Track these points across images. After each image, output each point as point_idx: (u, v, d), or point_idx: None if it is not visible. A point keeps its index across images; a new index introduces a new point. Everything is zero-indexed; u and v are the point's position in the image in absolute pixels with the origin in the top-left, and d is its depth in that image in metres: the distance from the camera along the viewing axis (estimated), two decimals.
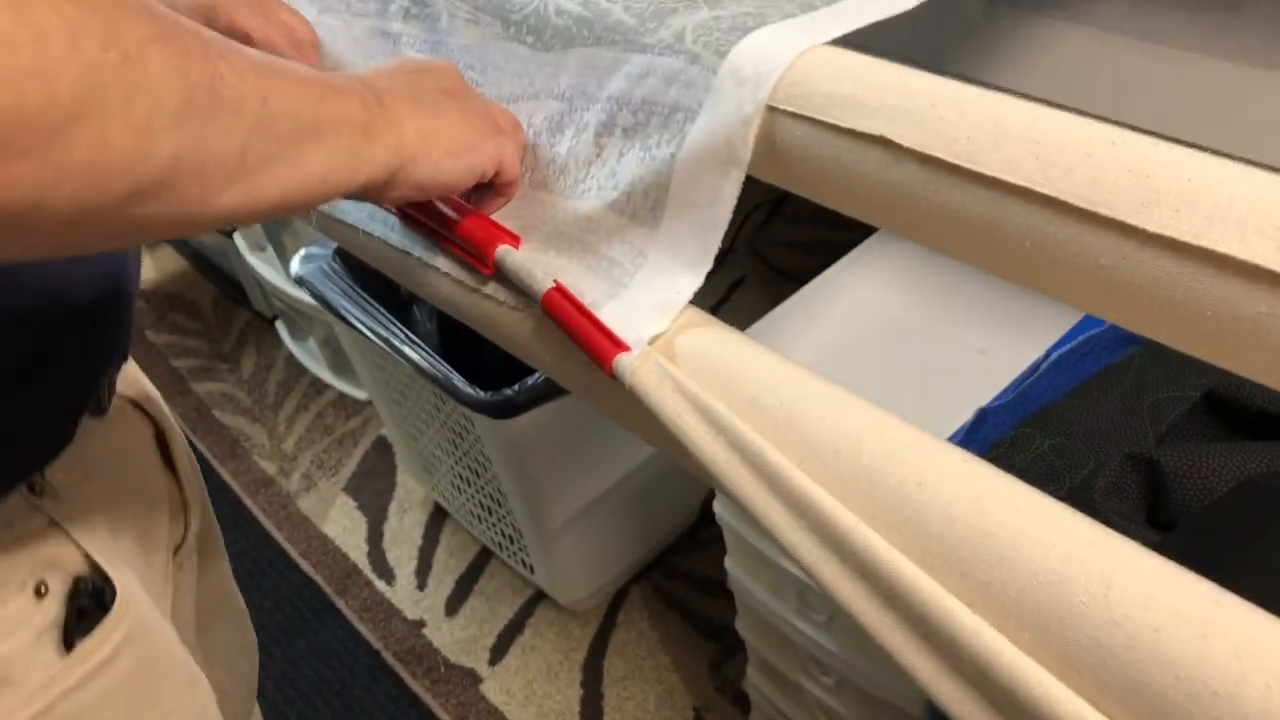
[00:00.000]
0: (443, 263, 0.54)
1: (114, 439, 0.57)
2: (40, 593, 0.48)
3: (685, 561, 1.53)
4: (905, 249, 1.11)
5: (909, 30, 0.91)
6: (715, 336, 0.46)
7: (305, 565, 1.63)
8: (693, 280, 0.47)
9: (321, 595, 1.58)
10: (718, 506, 1.11)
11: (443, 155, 0.48)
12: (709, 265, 0.47)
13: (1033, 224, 0.37)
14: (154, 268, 2.32)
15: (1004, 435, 0.72)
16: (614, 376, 0.46)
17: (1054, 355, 0.78)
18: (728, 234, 1.60)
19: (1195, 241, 0.33)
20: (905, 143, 0.40)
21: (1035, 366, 0.79)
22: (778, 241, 1.97)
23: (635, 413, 0.46)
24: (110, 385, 0.57)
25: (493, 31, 0.56)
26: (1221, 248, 0.33)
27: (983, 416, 0.74)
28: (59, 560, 0.49)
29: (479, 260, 0.53)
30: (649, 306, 0.47)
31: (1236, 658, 0.31)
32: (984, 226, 0.39)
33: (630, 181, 0.49)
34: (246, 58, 0.37)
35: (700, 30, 0.47)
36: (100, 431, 0.55)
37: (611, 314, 0.47)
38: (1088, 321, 0.82)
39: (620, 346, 0.46)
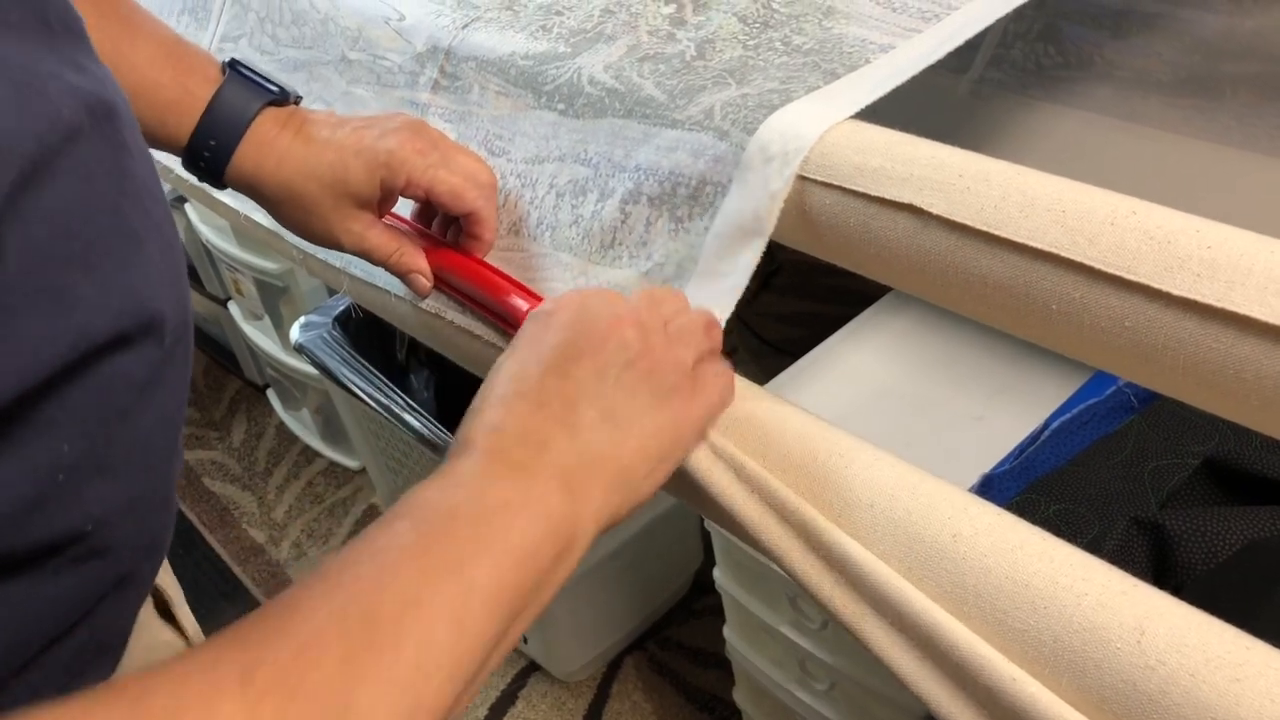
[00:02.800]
0: (475, 326, 0.56)
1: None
2: None
3: (679, 632, 1.53)
4: (901, 320, 1.14)
5: (894, 109, 0.94)
6: (746, 395, 0.48)
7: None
8: None
9: None
10: (718, 575, 1.11)
11: (638, 493, 0.43)
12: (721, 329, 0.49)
13: (1060, 288, 0.39)
14: None
15: (1010, 500, 0.74)
16: None
17: (1055, 424, 0.80)
18: None
19: (1218, 304, 0.35)
20: (935, 210, 0.42)
21: (1036, 435, 0.81)
22: (768, 314, 2.00)
23: (672, 479, 0.48)
24: None
25: (524, 102, 0.58)
26: (1244, 310, 0.35)
27: (988, 482, 0.76)
28: None
29: (509, 324, 0.54)
30: None
31: (1271, 701, 0.32)
32: (1012, 290, 0.41)
33: (665, 253, 0.51)
34: (483, 562, 0.36)
35: (728, 108, 0.50)
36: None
37: None
38: (1086, 391, 0.85)
39: None
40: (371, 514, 1.80)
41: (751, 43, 0.55)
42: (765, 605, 1.07)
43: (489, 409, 0.42)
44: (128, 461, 0.37)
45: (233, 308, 1.90)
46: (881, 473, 0.43)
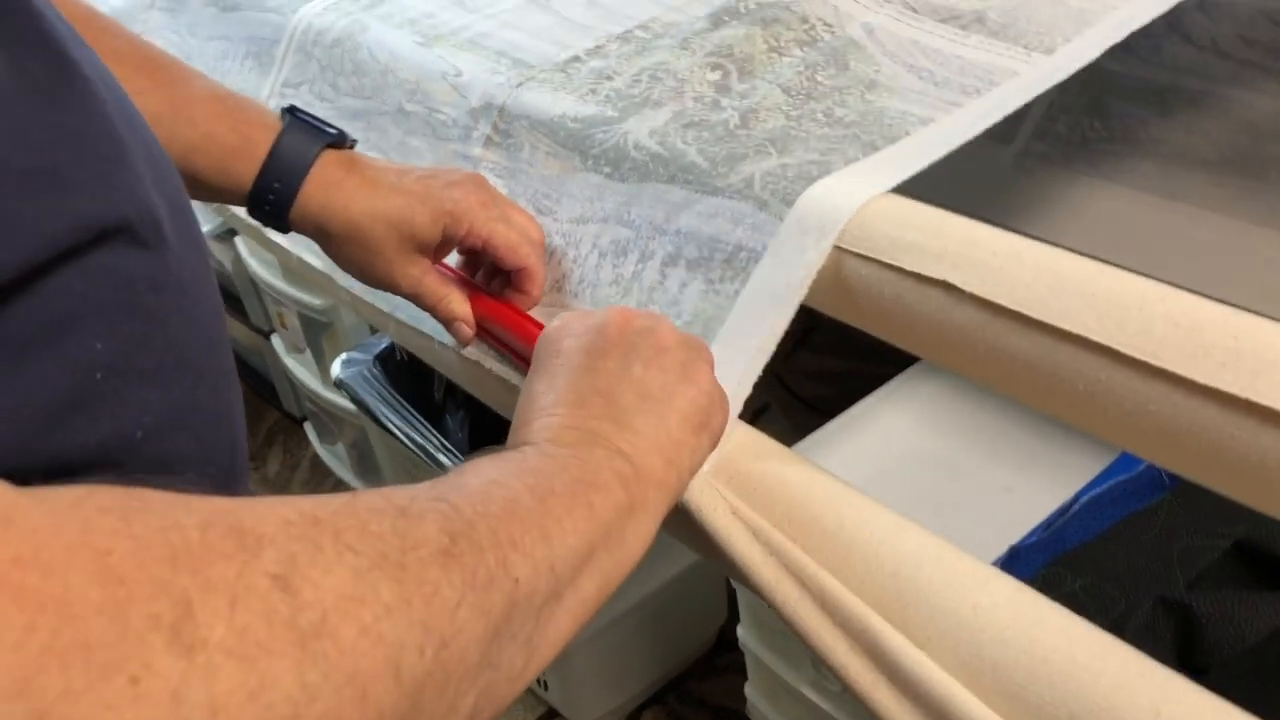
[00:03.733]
0: (513, 375, 0.57)
1: None
2: None
3: (700, 688, 1.52)
4: (935, 386, 1.14)
5: (938, 178, 0.95)
6: (772, 458, 0.49)
7: None
8: (735, 406, 0.50)
9: None
10: (741, 632, 1.11)
11: (690, 463, 0.45)
12: (747, 392, 0.50)
13: (1086, 369, 0.40)
14: None
15: (1036, 573, 0.74)
16: None
17: (1085, 498, 0.80)
18: None
19: (1241, 394, 0.36)
20: (968, 288, 0.43)
21: (1066, 508, 0.81)
22: (803, 371, 2.00)
23: (687, 530, 0.49)
24: None
25: (572, 164, 0.60)
26: (1266, 401, 0.36)
27: (1015, 554, 0.76)
28: None
29: None
30: None
31: None
32: (1040, 369, 0.42)
33: (694, 312, 0.52)
34: (532, 529, 0.36)
35: (768, 178, 0.51)
36: None
37: None
38: (1117, 466, 0.85)
39: None
40: None
41: (794, 113, 0.57)
42: (787, 665, 1.07)
43: (528, 424, 0.44)
44: (168, 368, 0.39)
45: (275, 340, 1.94)
46: (908, 542, 0.43)
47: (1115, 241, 0.96)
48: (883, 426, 1.13)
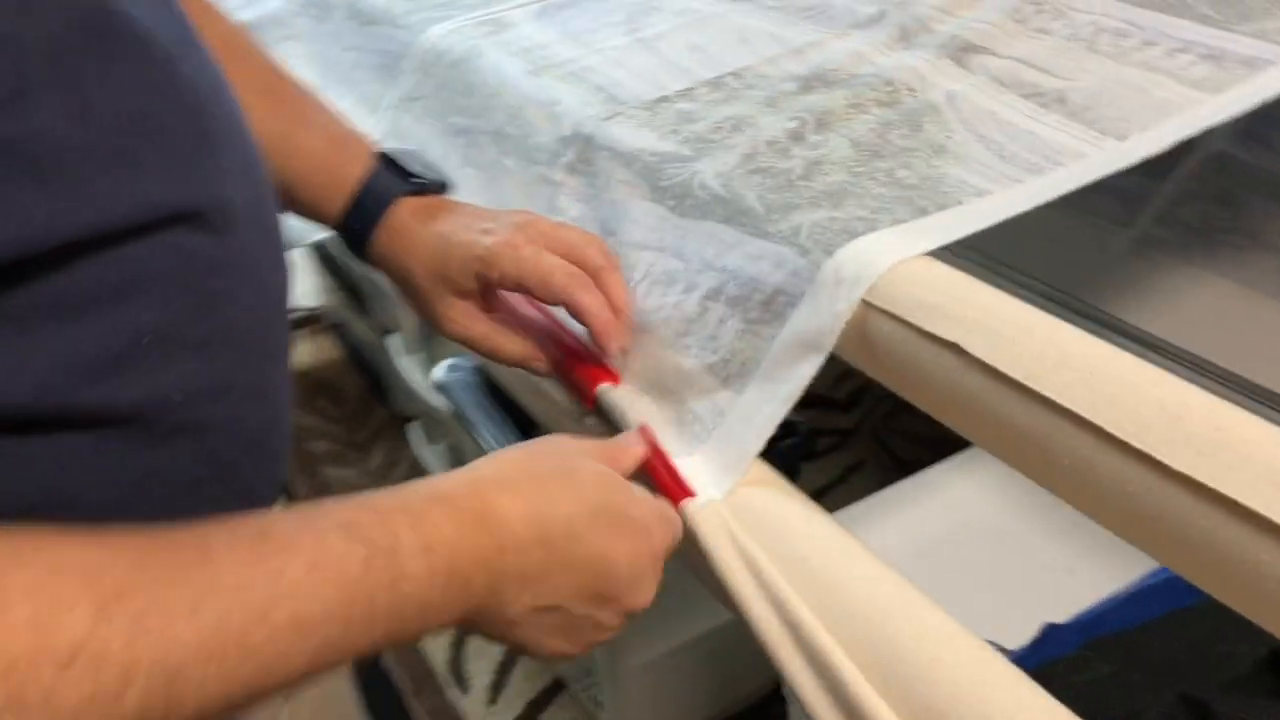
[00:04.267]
0: (554, 390, 0.61)
1: None
2: None
3: None
4: None
5: (1047, 255, 0.95)
6: (780, 497, 0.51)
7: (388, 659, 1.68)
8: (756, 446, 0.52)
9: (396, 693, 1.63)
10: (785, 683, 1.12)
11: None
12: (771, 431, 0.52)
13: (1072, 444, 0.41)
14: (312, 353, 2.48)
15: (1065, 654, 0.73)
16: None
17: (1135, 586, 0.79)
18: (853, 418, 1.65)
19: (1211, 484, 0.37)
20: (976, 353, 0.45)
21: (1116, 594, 0.80)
22: (902, 432, 1.99)
23: (694, 555, 0.51)
24: None
25: (640, 192, 0.63)
26: (1235, 494, 0.36)
27: (1049, 632, 0.75)
28: None
29: (583, 395, 0.59)
30: (719, 465, 0.52)
31: None
32: (1032, 439, 0.43)
33: (731, 351, 0.55)
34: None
35: (815, 229, 0.53)
36: None
37: (687, 464, 0.52)
38: None
39: (686, 492, 0.51)
40: None
41: (858, 170, 0.59)
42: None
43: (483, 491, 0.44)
44: (215, 343, 0.43)
45: (393, 341, 2.02)
46: (885, 591, 0.45)
47: (1215, 336, 0.95)
48: (952, 493, 1.12)
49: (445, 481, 0.45)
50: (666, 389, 0.57)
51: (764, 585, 0.47)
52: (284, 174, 0.61)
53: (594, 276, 0.58)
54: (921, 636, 0.42)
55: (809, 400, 1.79)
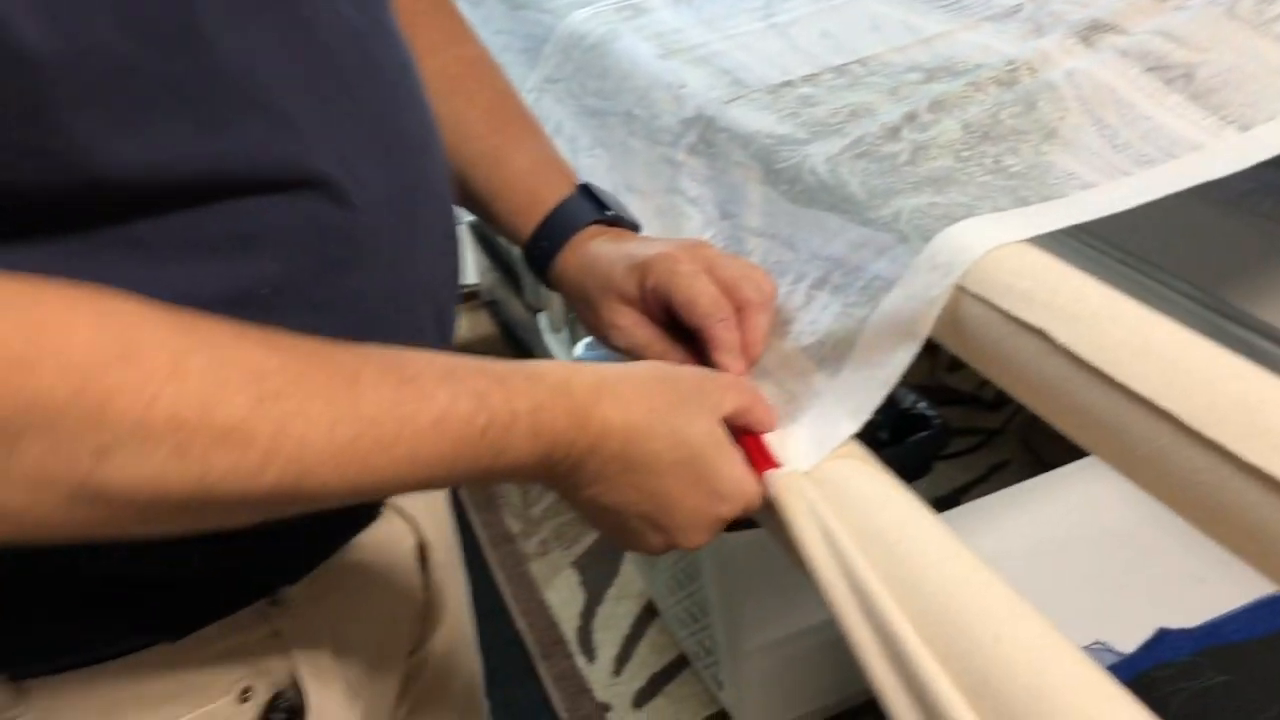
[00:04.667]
0: None
1: (369, 550, 0.61)
2: (244, 697, 0.54)
3: None
4: None
5: (1207, 252, 0.92)
6: (863, 471, 0.52)
7: (521, 623, 1.75)
8: (850, 426, 0.53)
9: (526, 655, 1.69)
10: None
11: (587, 497, 0.50)
12: (868, 416, 0.53)
13: (1150, 433, 0.41)
14: (469, 327, 2.58)
15: (1178, 659, 0.72)
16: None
17: (1257, 599, 0.76)
18: (1000, 417, 1.64)
19: None
20: (1060, 340, 0.45)
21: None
22: (1050, 434, 1.93)
23: (773, 522, 0.52)
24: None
25: (756, 174, 0.65)
26: None
27: (1162, 636, 0.74)
28: (268, 670, 0.55)
29: None
30: (809, 441, 0.53)
31: None
32: (1110, 427, 0.43)
33: (827, 332, 0.56)
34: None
35: (915, 214, 0.54)
36: (356, 542, 0.60)
37: (777, 438, 0.54)
38: None
39: (771, 463, 0.52)
40: None
41: (965, 154, 0.59)
42: None
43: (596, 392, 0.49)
44: (339, 307, 0.49)
45: (541, 319, 2.08)
46: (955, 568, 0.45)
47: None
48: (1088, 494, 1.10)
49: (578, 374, 0.49)
50: (764, 369, 0.58)
51: (836, 553, 0.48)
52: (489, 185, 0.66)
53: (740, 311, 0.58)
54: (986, 614, 0.43)
55: (955, 398, 1.81)
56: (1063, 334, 0.45)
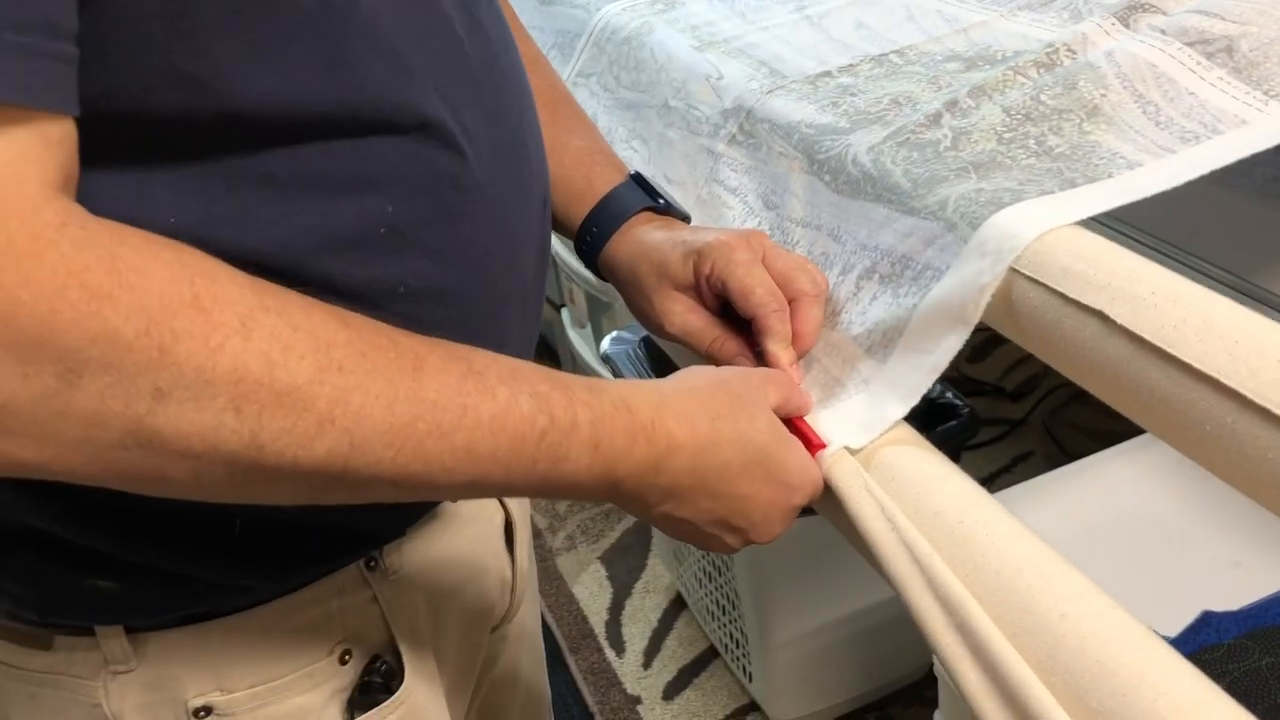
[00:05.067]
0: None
1: (462, 522, 0.63)
2: (344, 660, 0.56)
3: (903, 714, 1.52)
4: None
5: (1237, 240, 0.92)
6: (917, 454, 0.52)
7: (549, 617, 1.75)
8: (899, 410, 0.53)
9: (556, 648, 1.70)
10: (936, 659, 1.12)
11: (661, 513, 0.51)
12: (915, 401, 0.53)
13: (1216, 411, 0.42)
14: None
15: (1223, 641, 0.72)
16: None
17: None
18: (1023, 408, 1.63)
19: None
20: (1120, 321, 0.45)
21: None
22: (1074, 425, 1.94)
23: (829, 504, 0.53)
24: None
25: (798, 164, 0.66)
26: None
27: (1206, 619, 0.74)
28: (366, 635, 0.57)
29: None
30: (856, 424, 0.54)
31: None
32: (1174, 406, 0.43)
33: (876, 320, 0.56)
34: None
35: (961, 201, 0.54)
36: (450, 514, 0.62)
37: (822, 420, 0.54)
38: None
39: (818, 444, 0.53)
40: (641, 527, 1.91)
41: (1007, 135, 0.59)
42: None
43: (660, 405, 0.49)
44: (448, 253, 0.50)
45: (564, 314, 2.09)
46: (1016, 547, 0.46)
47: None
48: (1117, 480, 1.10)
49: (637, 391, 0.50)
50: (812, 357, 0.59)
51: (896, 528, 0.48)
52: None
53: (794, 302, 0.59)
54: (1050, 591, 0.43)
55: (979, 388, 1.80)
56: (1123, 314, 0.45)
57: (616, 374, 1.51)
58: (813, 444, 0.54)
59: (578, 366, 2.15)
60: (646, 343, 1.55)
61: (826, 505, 0.54)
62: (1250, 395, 0.40)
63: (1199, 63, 0.60)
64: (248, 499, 0.41)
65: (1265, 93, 0.57)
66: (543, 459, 0.45)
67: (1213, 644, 0.72)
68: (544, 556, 1.88)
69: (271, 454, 0.38)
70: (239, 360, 0.36)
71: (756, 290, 0.57)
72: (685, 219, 0.67)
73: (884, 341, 0.56)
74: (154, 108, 0.40)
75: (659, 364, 1.51)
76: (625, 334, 1.58)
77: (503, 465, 0.44)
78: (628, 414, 0.47)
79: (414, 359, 0.42)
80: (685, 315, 0.61)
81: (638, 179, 0.66)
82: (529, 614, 0.76)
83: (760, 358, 0.59)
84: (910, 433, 0.54)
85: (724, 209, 0.70)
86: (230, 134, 0.42)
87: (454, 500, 0.45)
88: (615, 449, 0.46)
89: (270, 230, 0.44)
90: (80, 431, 0.35)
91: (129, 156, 0.41)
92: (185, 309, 0.36)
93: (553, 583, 1.82)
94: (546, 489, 0.46)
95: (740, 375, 0.54)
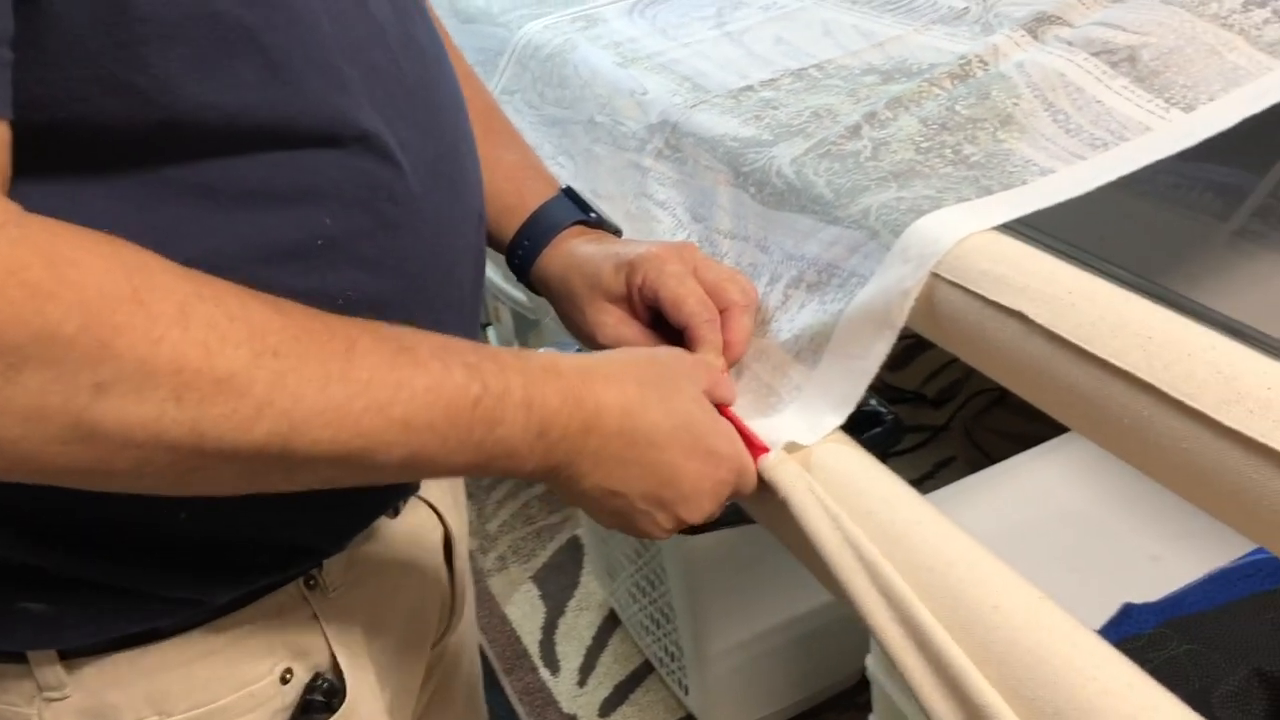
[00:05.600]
0: None
1: (401, 538, 0.63)
2: (285, 679, 0.56)
3: None
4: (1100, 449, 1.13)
5: (1146, 248, 0.95)
6: (851, 456, 0.53)
7: (482, 639, 1.74)
8: (834, 419, 0.54)
9: (490, 670, 1.68)
10: (870, 662, 1.14)
11: (586, 489, 0.51)
12: (851, 408, 0.55)
13: (1132, 405, 0.43)
14: None
15: (1143, 632, 0.74)
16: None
17: (1212, 570, 0.79)
18: (945, 414, 1.66)
19: (1262, 440, 0.39)
20: (1039, 320, 0.47)
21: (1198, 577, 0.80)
22: (995, 429, 1.98)
23: (772, 510, 0.54)
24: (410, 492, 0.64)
25: (724, 178, 0.67)
26: None
27: (1128, 611, 0.76)
28: (307, 653, 0.57)
29: None
30: (793, 430, 0.55)
31: None
32: (1093, 401, 0.45)
33: (804, 326, 0.57)
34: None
35: (883, 210, 0.56)
36: (389, 530, 0.62)
37: (760, 428, 0.55)
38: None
39: (761, 449, 0.54)
40: (573, 545, 1.91)
41: (925, 145, 0.61)
42: (911, 702, 1.08)
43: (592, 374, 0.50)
44: (386, 266, 0.50)
45: (490, 332, 2.08)
46: (950, 545, 0.47)
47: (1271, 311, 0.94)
48: (1038, 481, 1.13)
49: (564, 360, 0.50)
50: (743, 365, 0.60)
51: (841, 528, 0.49)
52: None
53: (724, 312, 0.60)
54: (983, 585, 0.44)
55: (901, 395, 1.84)
56: (1042, 314, 0.47)
57: None
58: (755, 446, 0.54)
59: None
60: None
61: (764, 511, 0.55)
62: (1164, 388, 0.42)
63: (1104, 72, 0.62)
64: (190, 488, 0.41)
65: (1167, 100, 0.59)
66: (478, 426, 0.45)
67: (1134, 634, 0.74)
68: (476, 578, 1.86)
69: (212, 440, 0.38)
70: (179, 351, 0.37)
71: (688, 300, 0.58)
72: (616, 232, 0.67)
73: (812, 347, 0.57)
74: (92, 116, 0.40)
75: None
76: (553, 350, 1.57)
77: (440, 435, 0.44)
78: (556, 377, 0.48)
79: (346, 341, 0.42)
80: (617, 327, 0.62)
81: (569, 193, 0.67)
82: (468, 631, 0.76)
83: None
84: (842, 435, 0.55)
85: (653, 222, 0.71)
86: (169, 144, 0.42)
87: (396, 480, 0.46)
88: (547, 410, 0.47)
89: (207, 241, 0.44)
90: (20, 427, 0.35)
91: (64, 165, 0.41)
92: (125, 303, 0.36)
93: (485, 604, 1.81)
94: (483, 459, 0.46)
95: (672, 352, 0.56)
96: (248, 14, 0.42)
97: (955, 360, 0.60)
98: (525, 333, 1.92)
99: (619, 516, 0.53)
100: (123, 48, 0.39)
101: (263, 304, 0.41)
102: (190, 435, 0.38)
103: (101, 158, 0.42)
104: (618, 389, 0.50)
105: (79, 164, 0.41)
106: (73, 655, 0.51)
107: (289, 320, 0.41)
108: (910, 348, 2.13)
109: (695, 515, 0.53)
